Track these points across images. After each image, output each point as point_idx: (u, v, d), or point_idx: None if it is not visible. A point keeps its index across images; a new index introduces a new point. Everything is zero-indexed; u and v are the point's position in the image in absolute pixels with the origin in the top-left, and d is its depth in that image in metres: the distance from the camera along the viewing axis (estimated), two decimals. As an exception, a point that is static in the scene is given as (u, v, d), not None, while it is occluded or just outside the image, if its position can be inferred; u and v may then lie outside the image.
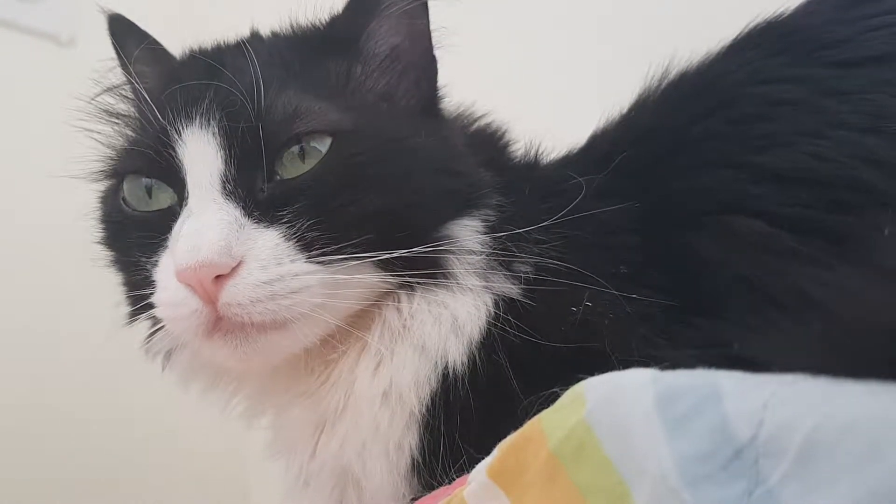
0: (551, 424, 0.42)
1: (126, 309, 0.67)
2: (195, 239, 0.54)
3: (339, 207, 0.57)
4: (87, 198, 0.68)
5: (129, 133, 0.65)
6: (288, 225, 0.56)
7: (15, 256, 1.27)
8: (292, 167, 0.58)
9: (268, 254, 0.55)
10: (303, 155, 0.58)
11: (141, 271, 0.60)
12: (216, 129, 0.57)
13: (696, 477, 0.33)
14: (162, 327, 0.62)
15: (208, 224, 0.55)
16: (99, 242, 0.67)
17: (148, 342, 0.68)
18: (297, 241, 0.56)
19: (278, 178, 0.58)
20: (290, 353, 0.60)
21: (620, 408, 0.38)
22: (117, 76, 0.72)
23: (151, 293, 0.59)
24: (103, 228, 0.66)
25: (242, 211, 0.56)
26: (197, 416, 0.97)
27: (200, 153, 0.58)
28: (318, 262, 0.56)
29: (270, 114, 0.58)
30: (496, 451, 0.46)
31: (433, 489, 0.56)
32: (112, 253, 0.66)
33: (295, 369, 0.64)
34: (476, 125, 0.73)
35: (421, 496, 0.57)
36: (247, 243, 0.55)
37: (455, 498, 0.47)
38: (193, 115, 0.58)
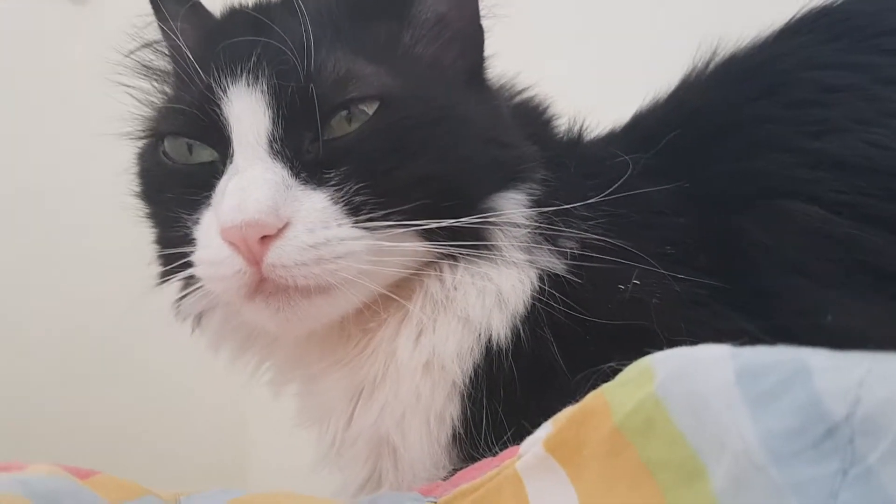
0: (616, 398, 0.41)
1: (159, 268, 0.66)
2: (242, 197, 0.53)
3: (387, 172, 0.57)
4: (116, 157, 0.67)
5: (168, 91, 0.64)
6: (336, 188, 0.55)
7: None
8: (338, 129, 0.57)
9: (315, 216, 0.54)
10: (350, 118, 0.57)
11: (181, 228, 0.59)
12: (265, 88, 0.56)
13: (785, 454, 0.32)
14: (196, 288, 0.61)
15: (255, 182, 0.54)
16: (138, 196, 0.66)
17: (179, 303, 0.67)
18: (344, 205, 0.55)
19: (325, 138, 0.57)
20: (330, 320, 0.60)
21: (697, 382, 0.37)
22: (152, 32, 0.71)
23: (191, 251, 0.58)
24: (143, 182, 0.65)
25: (290, 171, 0.55)
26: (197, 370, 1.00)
27: (247, 111, 0.56)
28: (365, 228, 0.56)
29: (322, 75, 0.56)
30: (552, 425, 0.45)
31: (474, 462, 0.55)
32: (151, 208, 0.65)
33: (330, 336, 0.63)
34: (519, 97, 0.72)
35: (461, 468, 0.56)
36: (294, 204, 0.54)
37: (506, 470, 0.47)
38: (239, 73, 0.57)
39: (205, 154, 0.59)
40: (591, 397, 0.43)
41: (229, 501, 0.47)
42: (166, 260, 0.63)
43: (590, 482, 0.42)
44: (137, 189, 0.66)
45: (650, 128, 0.67)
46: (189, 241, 0.58)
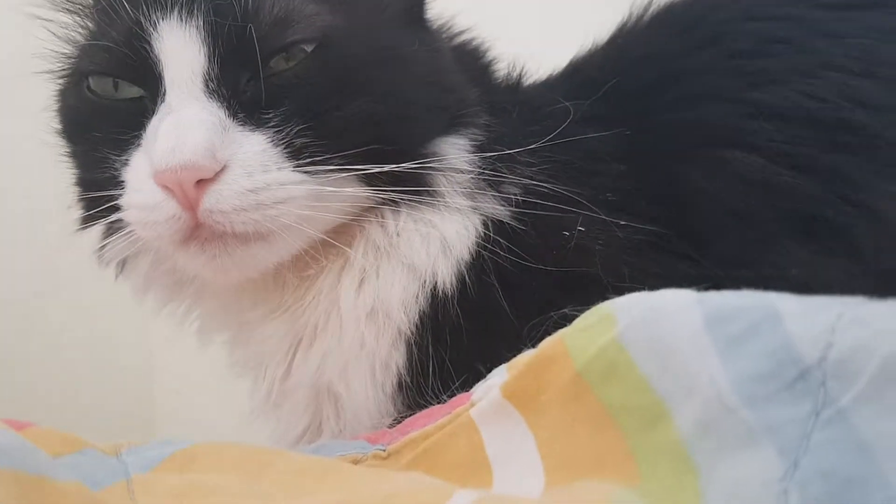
0: (576, 344, 0.41)
1: (80, 212, 0.62)
2: (176, 138, 0.50)
3: (328, 112, 0.54)
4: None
5: (90, 26, 0.59)
6: (275, 129, 0.53)
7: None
8: (276, 66, 0.55)
9: (254, 159, 0.52)
10: (288, 57, 0.55)
11: (107, 169, 0.55)
12: (200, 24, 0.53)
13: (757, 396, 0.33)
14: (124, 234, 0.57)
15: (190, 123, 0.51)
16: (59, 135, 0.61)
17: (102, 248, 0.63)
18: (284, 148, 0.53)
19: (263, 76, 0.54)
20: (267, 266, 0.57)
21: (662, 328, 0.38)
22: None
23: (118, 195, 0.55)
24: (65, 120, 0.61)
25: (226, 111, 0.53)
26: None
27: (180, 48, 0.53)
28: (305, 172, 0.53)
29: (261, 14, 0.53)
30: (508, 371, 0.45)
31: (421, 409, 0.55)
32: (74, 147, 0.61)
33: (265, 283, 0.61)
34: (458, 39, 0.70)
35: (407, 416, 0.56)
36: (231, 147, 0.52)
37: (459, 417, 0.46)
38: (171, 7, 0.53)
39: (132, 91, 0.56)
40: (550, 343, 0.43)
41: (175, 452, 0.45)
42: (89, 203, 0.59)
43: (548, 428, 0.42)
44: (59, 127, 0.62)
45: (590, 75, 0.66)
46: (117, 183, 0.55)
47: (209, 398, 1.19)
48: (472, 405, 0.46)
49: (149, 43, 0.53)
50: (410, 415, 0.55)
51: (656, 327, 0.38)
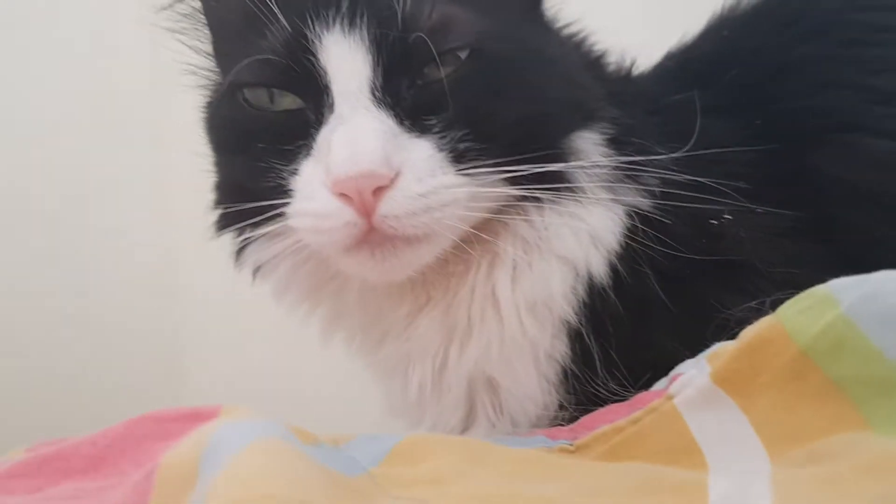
0: (797, 325, 0.44)
1: (220, 218, 0.65)
2: (353, 147, 0.51)
3: (487, 116, 0.56)
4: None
5: (235, 40, 0.60)
6: (439, 135, 0.54)
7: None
8: (431, 74, 0.56)
9: (423, 165, 0.53)
10: (441, 63, 0.56)
11: (273, 179, 0.56)
12: (363, 35, 0.54)
13: None
14: (267, 239, 0.59)
15: (365, 132, 0.52)
16: (213, 147, 0.62)
17: (240, 252, 0.65)
18: (448, 153, 0.54)
19: (419, 83, 0.55)
20: (424, 265, 0.58)
21: (890, 303, 0.40)
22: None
23: (282, 203, 0.55)
24: (221, 133, 0.62)
25: (394, 119, 0.54)
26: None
27: (347, 59, 0.54)
28: (466, 175, 0.55)
29: (419, 22, 0.55)
30: (710, 360, 0.47)
31: (590, 399, 0.57)
32: (229, 157, 0.62)
33: (409, 281, 0.62)
34: (565, 32, 0.71)
35: (572, 406, 0.57)
36: (402, 153, 0.53)
37: (657, 410, 0.48)
38: (332, 20, 0.54)
39: (289, 101, 0.57)
40: (763, 327, 0.45)
41: (394, 447, 0.46)
42: (247, 213, 0.59)
43: (765, 408, 0.44)
44: (213, 139, 0.63)
45: (699, 67, 0.69)
46: (282, 192, 0.56)
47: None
48: (671, 397, 0.48)
49: (313, 55, 0.54)
50: (574, 402, 0.57)
51: (884, 303, 0.41)
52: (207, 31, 0.64)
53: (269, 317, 1.12)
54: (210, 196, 0.67)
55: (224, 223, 0.65)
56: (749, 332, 0.46)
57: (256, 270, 0.66)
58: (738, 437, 0.44)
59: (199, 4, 0.64)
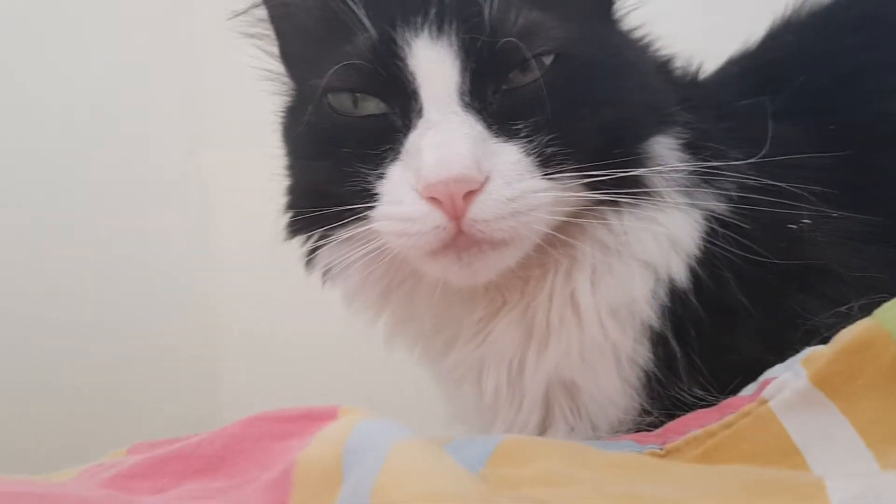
0: (899, 326, 0.44)
1: (294, 222, 0.66)
2: (444, 152, 0.52)
3: (573, 121, 0.57)
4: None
5: (314, 47, 0.60)
6: (526, 139, 0.55)
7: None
8: (516, 79, 0.57)
9: (511, 169, 0.54)
10: (525, 68, 0.57)
11: (358, 183, 0.57)
12: (452, 40, 0.55)
13: None
14: (346, 242, 0.59)
15: (456, 136, 0.53)
16: (296, 153, 0.64)
17: (313, 255, 0.66)
18: (536, 157, 0.55)
19: (505, 88, 0.56)
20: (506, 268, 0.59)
21: None
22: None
23: (366, 206, 0.56)
24: (304, 137, 0.62)
25: (483, 124, 0.55)
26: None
27: (436, 64, 0.55)
28: (551, 179, 0.55)
29: (506, 27, 0.55)
30: (805, 364, 0.48)
31: (674, 405, 0.57)
32: (311, 163, 0.62)
33: (484, 285, 0.63)
34: (632, 36, 0.72)
35: (655, 411, 0.58)
36: (492, 158, 0.53)
37: (751, 413, 0.48)
38: (420, 25, 0.55)
39: (373, 106, 0.57)
40: (861, 330, 0.46)
41: (495, 447, 0.47)
42: (327, 217, 0.59)
43: (867, 410, 0.45)
44: (291, 144, 0.64)
45: (766, 72, 0.69)
46: (367, 196, 0.56)
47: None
48: (766, 401, 0.48)
49: (402, 60, 0.55)
50: (658, 407, 0.58)
51: None
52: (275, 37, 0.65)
53: (304, 327, 1.14)
54: (281, 201, 0.68)
55: (299, 227, 0.66)
56: (846, 335, 0.46)
57: (326, 273, 0.66)
58: (841, 439, 0.45)
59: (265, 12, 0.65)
